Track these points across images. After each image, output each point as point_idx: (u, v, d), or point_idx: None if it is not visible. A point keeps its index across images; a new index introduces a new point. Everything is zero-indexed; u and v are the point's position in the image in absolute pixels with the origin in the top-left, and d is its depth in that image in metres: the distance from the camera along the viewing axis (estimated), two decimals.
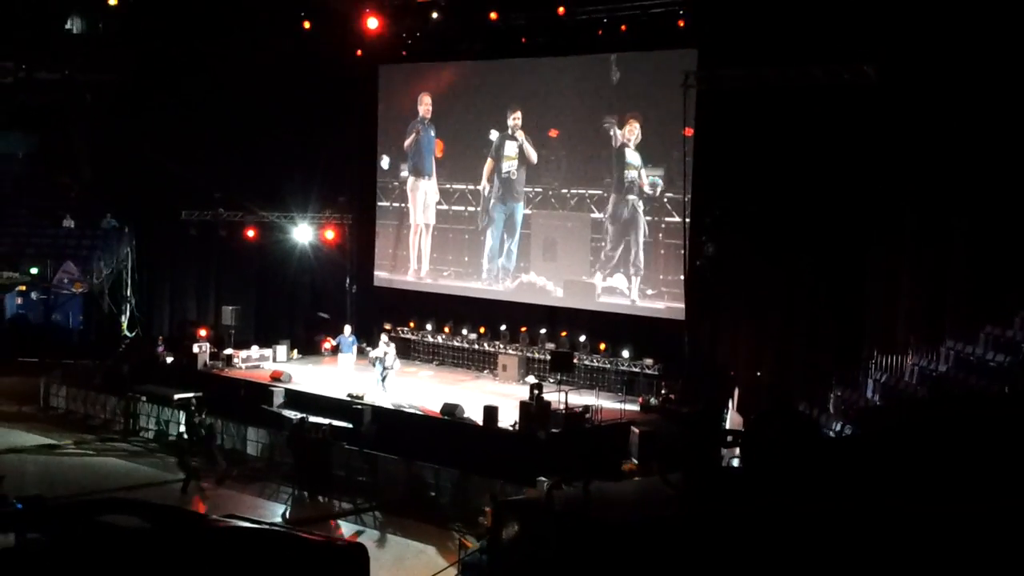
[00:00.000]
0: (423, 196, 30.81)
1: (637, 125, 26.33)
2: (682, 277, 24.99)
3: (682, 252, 24.68)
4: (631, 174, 26.64)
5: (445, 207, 30.49)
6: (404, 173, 31.20)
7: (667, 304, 25.98)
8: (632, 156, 26.58)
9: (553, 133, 28.02)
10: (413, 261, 31.06)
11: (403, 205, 31.31)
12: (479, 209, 29.74)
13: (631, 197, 26.66)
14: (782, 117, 22.59)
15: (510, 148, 28.76)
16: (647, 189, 26.34)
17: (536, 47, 27.77)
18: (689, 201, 24.65)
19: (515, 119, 28.54)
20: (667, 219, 26.05)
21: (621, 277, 26.95)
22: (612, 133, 26.82)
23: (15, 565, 5.98)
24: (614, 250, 27.05)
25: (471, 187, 29.84)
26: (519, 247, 28.84)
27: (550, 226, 28.39)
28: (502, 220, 29.10)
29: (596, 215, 27.39)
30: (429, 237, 30.73)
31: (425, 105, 30.35)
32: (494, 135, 29.10)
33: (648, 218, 26.41)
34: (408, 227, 31.20)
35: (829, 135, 22.00)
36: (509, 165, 28.79)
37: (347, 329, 27.47)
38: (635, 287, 26.65)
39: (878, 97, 20.91)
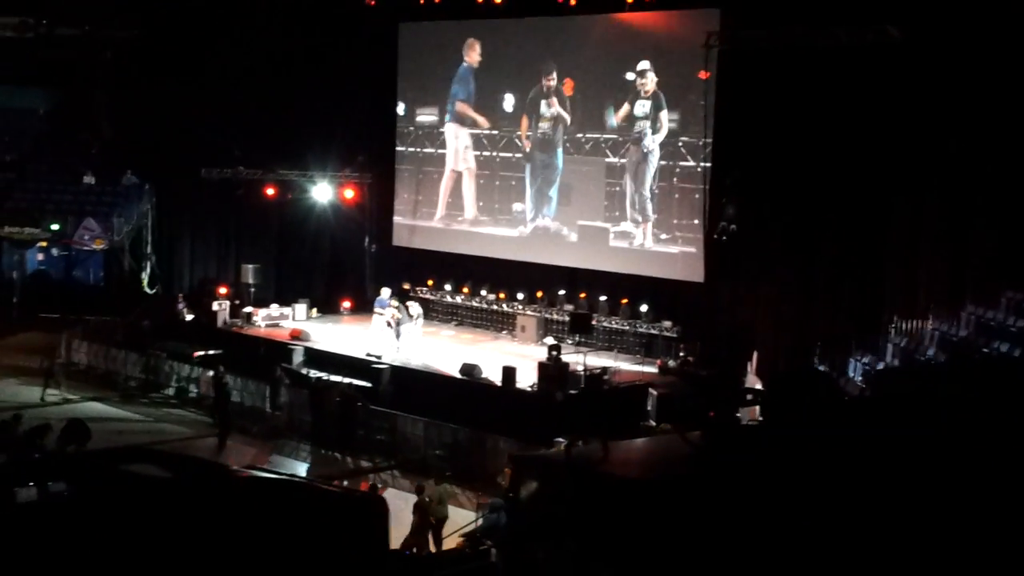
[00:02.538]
0: (460, 142, 30.26)
1: (652, 76, 26.21)
2: (696, 222, 24.97)
3: (697, 197, 24.77)
4: (641, 124, 26.56)
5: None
6: (425, 119, 30.99)
7: (681, 249, 25.88)
8: (641, 106, 26.49)
9: (567, 87, 27.87)
10: (440, 208, 30.71)
11: (421, 151, 31.11)
12: (493, 154, 29.67)
13: (644, 143, 26.57)
14: (804, 78, 22.37)
15: (544, 108, 28.61)
16: (656, 135, 26.32)
17: (562, 6, 27.56)
18: (709, 153, 24.53)
19: (550, 81, 28.25)
20: (681, 163, 25.94)
21: (633, 222, 26.93)
22: (631, 82, 26.71)
23: (42, 515, 6.04)
24: (627, 194, 27.00)
25: (485, 132, 29.77)
26: (558, 193, 28.57)
27: (566, 171, 28.29)
28: (540, 168, 28.82)
29: (611, 159, 27.36)
30: (473, 182, 30.18)
31: (475, 51, 29.49)
32: (508, 100, 29.02)
33: (663, 162, 26.30)
34: (438, 173, 30.92)
35: (852, 97, 21.78)
36: (545, 126, 28.66)
37: (385, 291, 26.93)
38: (648, 232, 26.57)
39: (902, 58, 20.68)
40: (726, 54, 23.48)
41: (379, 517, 6.63)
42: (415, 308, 26.01)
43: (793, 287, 23.75)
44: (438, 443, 21.72)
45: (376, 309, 26.29)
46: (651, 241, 26.48)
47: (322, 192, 31.05)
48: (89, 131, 35.89)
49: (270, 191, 31.26)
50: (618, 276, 27.19)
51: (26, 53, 34.77)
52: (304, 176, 30.97)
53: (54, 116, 37.36)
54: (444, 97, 30.49)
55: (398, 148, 31.54)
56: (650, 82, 26.25)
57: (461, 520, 17.66)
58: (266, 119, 31.39)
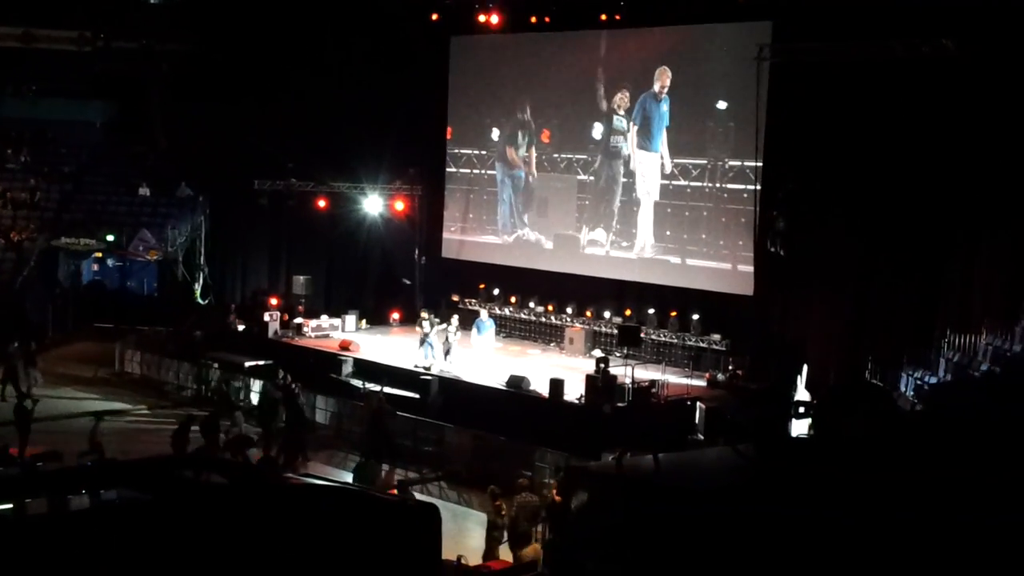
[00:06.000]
0: (645, 168, 28.31)
1: (627, 94, 27.78)
2: (668, 232, 27.11)
3: (686, 214, 26.81)
4: (617, 139, 28.10)
5: (466, 170, 31.85)
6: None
7: (637, 255, 27.98)
8: (619, 121, 28.11)
9: (544, 136, 29.94)
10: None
11: (471, 172, 31.54)
12: (483, 172, 31.32)
13: (615, 161, 28.30)
14: (857, 90, 22.25)
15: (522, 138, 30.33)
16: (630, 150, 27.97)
17: (607, 20, 27.70)
18: (760, 172, 24.50)
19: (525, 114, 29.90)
20: (729, 185, 26.66)
21: (601, 231, 28.64)
22: (601, 100, 28.43)
23: (110, 518, 6.15)
24: (595, 207, 28.94)
25: (476, 152, 31.46)
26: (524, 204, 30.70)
27: (542, 187, 30.11)
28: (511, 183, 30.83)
29: (582, 177, 29.15)
30: (652, 212, 28.26)
31: (663, 79, 27.55)
32: (496, 134, 30.82)
33: (625, 180, 28.23)
34: (480, 192, 31.55)
35: (906, 110, 21.63)
36: (524, 152, 30.47)
37: (483, 312, 27.00)
38: (609, 240, 28.55)
39: (958, 71, 20.49)
40: (777, 67, 23.40)
41: (432, 526, 6.70)
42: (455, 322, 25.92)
43: (844, 300, 23.58)
44: (485, 455, 21.72)
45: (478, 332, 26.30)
46: (610, 247, 28.42)
47: (373, 204, 31.34)
48: (145, 144, 36.41)
49: (321, 203, 31.61)
50: (666, 288, 27.16)
51: (84, 66, 35.37)
52: (355, 188, 31.24)
53: (111, 129, 37.85)
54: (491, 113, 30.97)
55: (448, 169, 31.96)
56: (625, 102, 27.82)
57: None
58: (318, 131, 31.70)
